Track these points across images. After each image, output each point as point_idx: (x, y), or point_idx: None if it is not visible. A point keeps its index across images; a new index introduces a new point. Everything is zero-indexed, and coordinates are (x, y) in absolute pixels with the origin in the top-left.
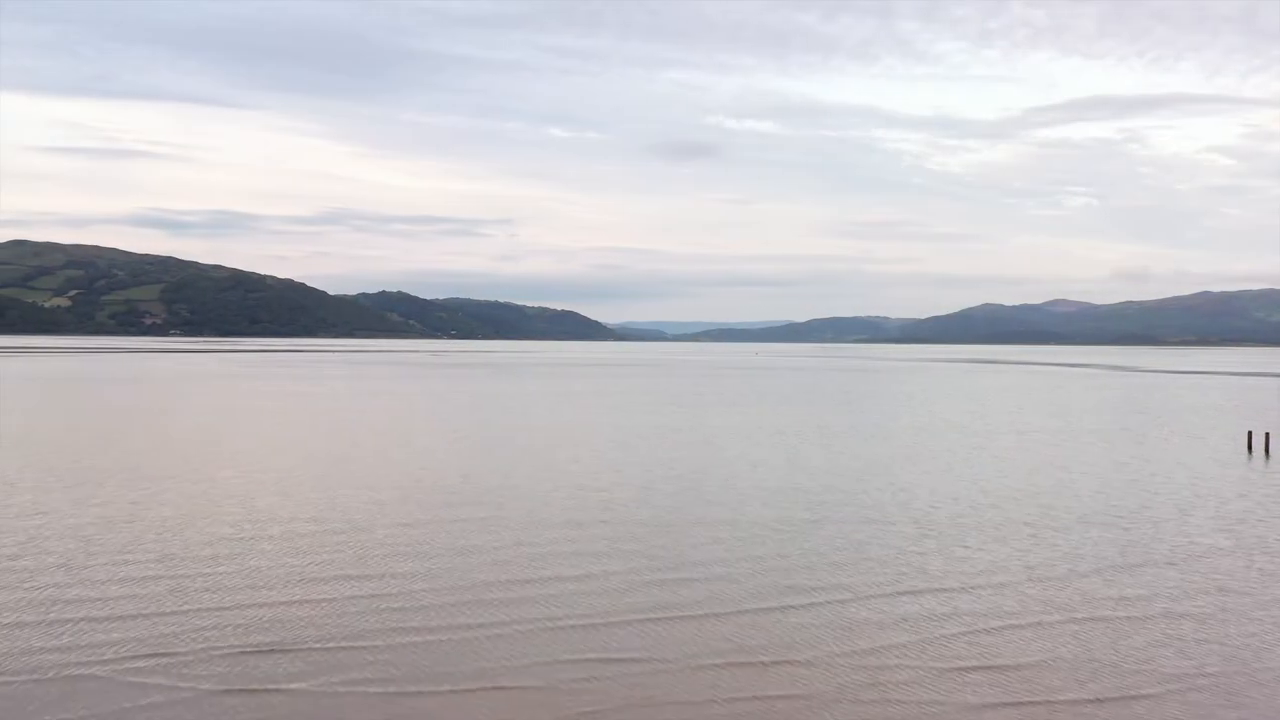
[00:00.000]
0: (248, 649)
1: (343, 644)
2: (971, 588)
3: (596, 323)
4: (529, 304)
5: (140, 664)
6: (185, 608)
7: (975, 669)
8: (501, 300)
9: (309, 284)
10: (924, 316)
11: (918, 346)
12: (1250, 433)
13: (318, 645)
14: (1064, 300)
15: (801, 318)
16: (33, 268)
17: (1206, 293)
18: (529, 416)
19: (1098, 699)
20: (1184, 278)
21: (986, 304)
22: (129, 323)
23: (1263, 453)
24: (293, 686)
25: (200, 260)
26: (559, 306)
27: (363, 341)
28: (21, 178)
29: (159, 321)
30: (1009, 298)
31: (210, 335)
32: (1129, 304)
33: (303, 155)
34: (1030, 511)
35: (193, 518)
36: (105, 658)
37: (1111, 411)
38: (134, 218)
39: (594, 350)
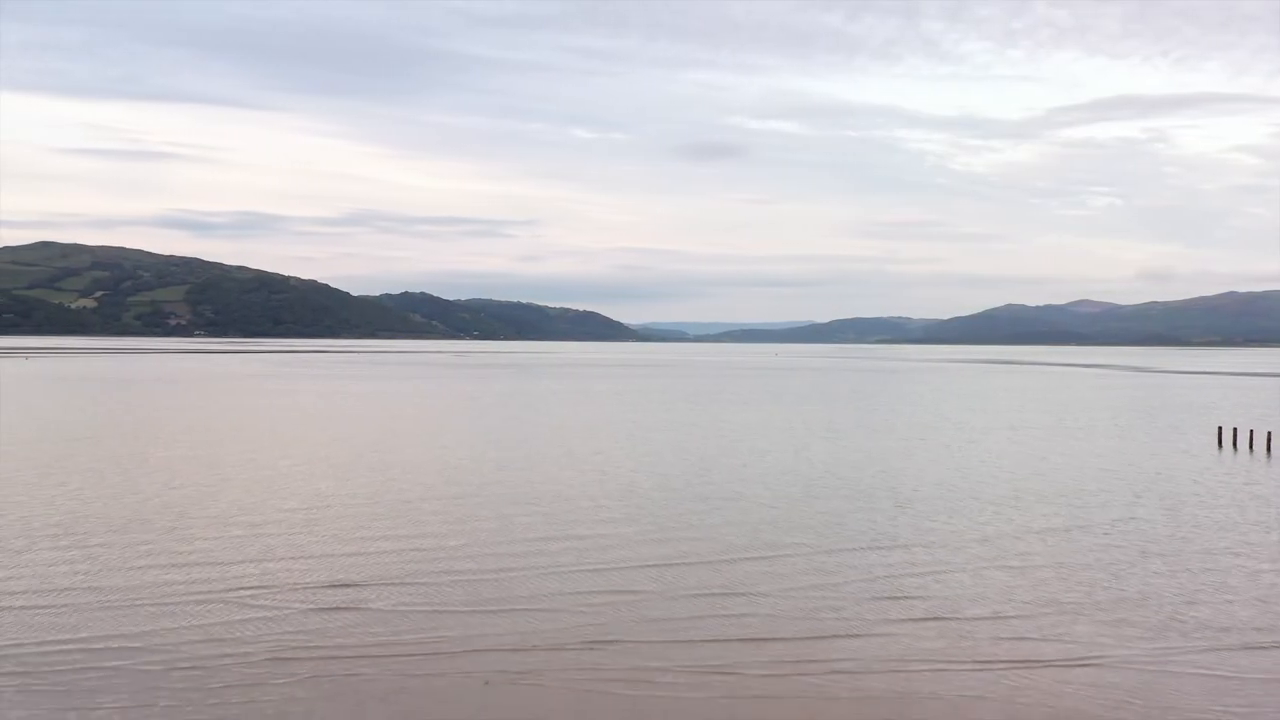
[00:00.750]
0: (325, 584)
1: (399, 581)
2: (926, 545)
3: (618, 323)
4: (551, 305)
5: (244, 594)
6: (273, 556)
7: (905, 598)
8: (524, 301)
9: (333, 285)
10: (947, 317)
11: (939, 347)
12: (1220, 428)
13: (379, 582)
14: (1088, 301)
15: (824, 318)
16: (59, 269)
17: (1232, 293)
18: (553, 413)
19: (998, 616)
20: (1209, 278)
21: (1010, 305)
22: (154, 324)
23: (1231, 447)
24: (362, 607)
25: (225, 261)
26: (581, 307)
27: (385, 342)
28: (49, 179)
29: (184, 322)
30: (1033, 298)
31: (234, 336)
32: (1153, 304)
33: (327, 156)
34: (1000, 493)
35: (267, 495)
36: (217, 589)
37: (1108, 410)
38: (160, 219)
39: (615, 351)
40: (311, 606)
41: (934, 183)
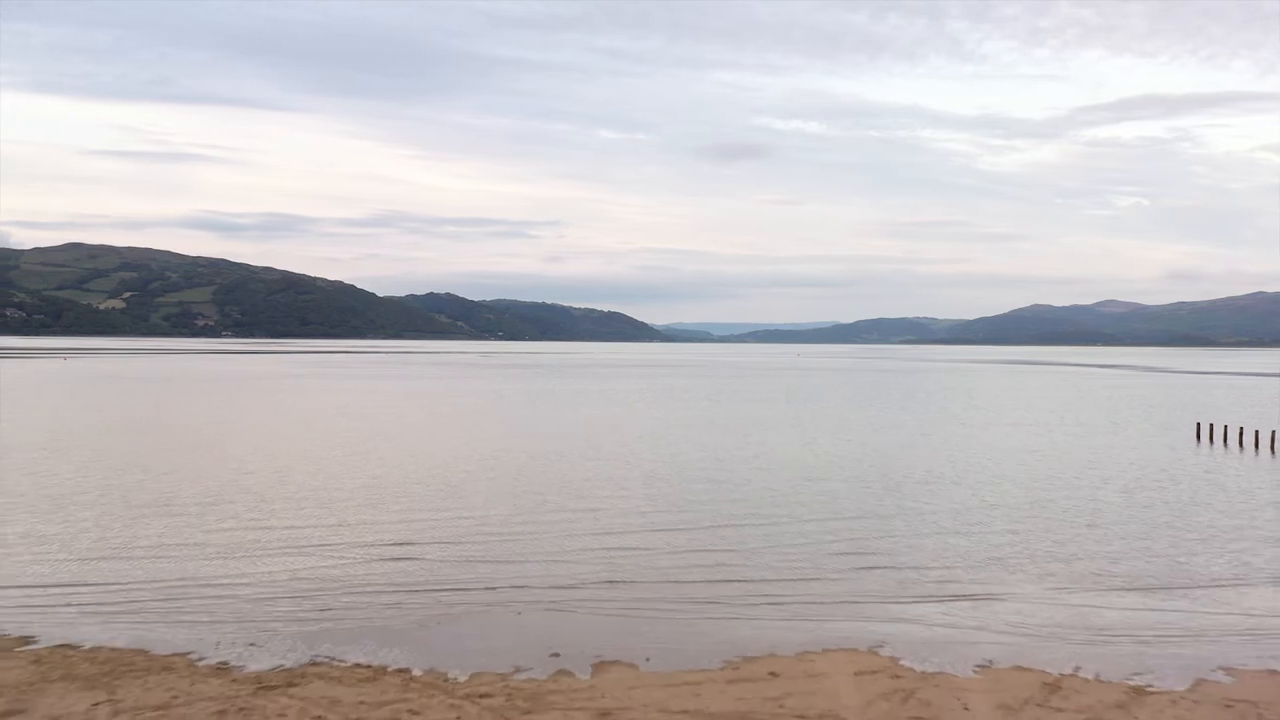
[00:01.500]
0: (386, 543)
1: (447, 541)
2: (903, 517)
3: (643, 324)
4: (576, 305)
5: (325, 549)
6: (343, 524)
7: (870, 554)
8: (549, 301)
9: (359, 286)
10: (972, 317)
11: (963, 348)
12: (1198, 424)
13: (430, 541)
14: (1115, 301)
15: (848, 319)
16: (88, 270)
17: (1260, 293)
18: (579, 410)
19: (944, 567)
20: (1237, 278)
21: (1036, 305)
22: (182, 324)
23: (1208, 441)
24: (417, 559)
25: (252, 263)
26: (606, 308)
27: (411, 343)
28: (77, 180)
29: (211, 323)
30: (1059, 298)
31: (261, 337)
32: (1181, 304)
33: (354, 158)
34: (981, 479)
35: (329, 479)
36: (303, 546)
37: (1109, 408)
38: (187, 220)
39: (639, 351)
40: (376, 558)
41: (959, 183)
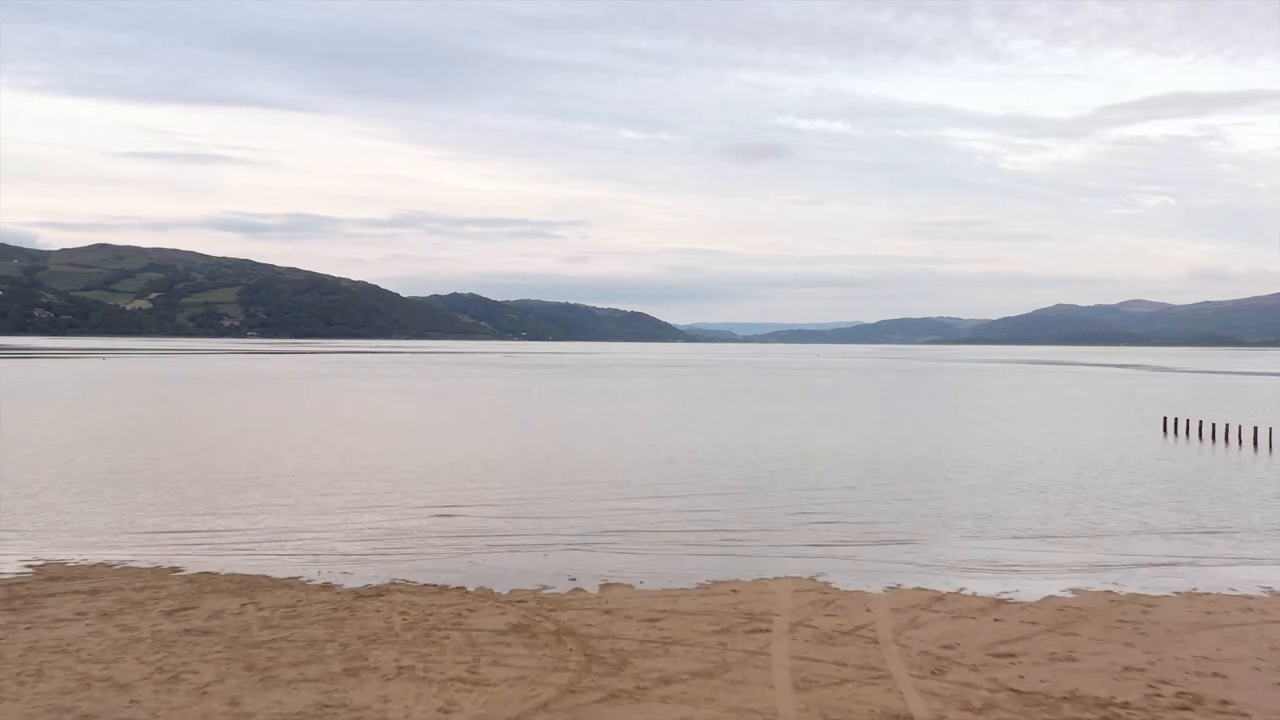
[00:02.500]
0: (436, 505)
1: (486, 504)
2: (873, 489)
3: (666, 324)
4: (599, 305)
5: (388, 510)
6: (402, 493)
7: (830, 514)
8: (571, 302)
9: (383, 286)
10: (996, 317)
11: (985, 348)
12: (1165, 418)
13: (473, 504)
14: (1140, 301)
15: (872, 319)
16: (115, 271)
17: None
18: (602, 406)
19: (885, 525)
20: (1263, 277)
21: (1060, 305)
22: (207, 324)
23: (1173, 433)
24: (460, 516)
25: (277, 263)
26: (629, 308)
27: (435, 343)
28: (104, 182)
29: (236, 323)
30: (1083, 298)
31: (285, 337)
32: (1206, 304)
33: (377, 158)
34: (952, 462)
35: (384, 462)
36: (372, 505)
37: (1102, 404)
38: (212, 221)
39: (661, 351)
40: (433, 515)
41: (983, 182)
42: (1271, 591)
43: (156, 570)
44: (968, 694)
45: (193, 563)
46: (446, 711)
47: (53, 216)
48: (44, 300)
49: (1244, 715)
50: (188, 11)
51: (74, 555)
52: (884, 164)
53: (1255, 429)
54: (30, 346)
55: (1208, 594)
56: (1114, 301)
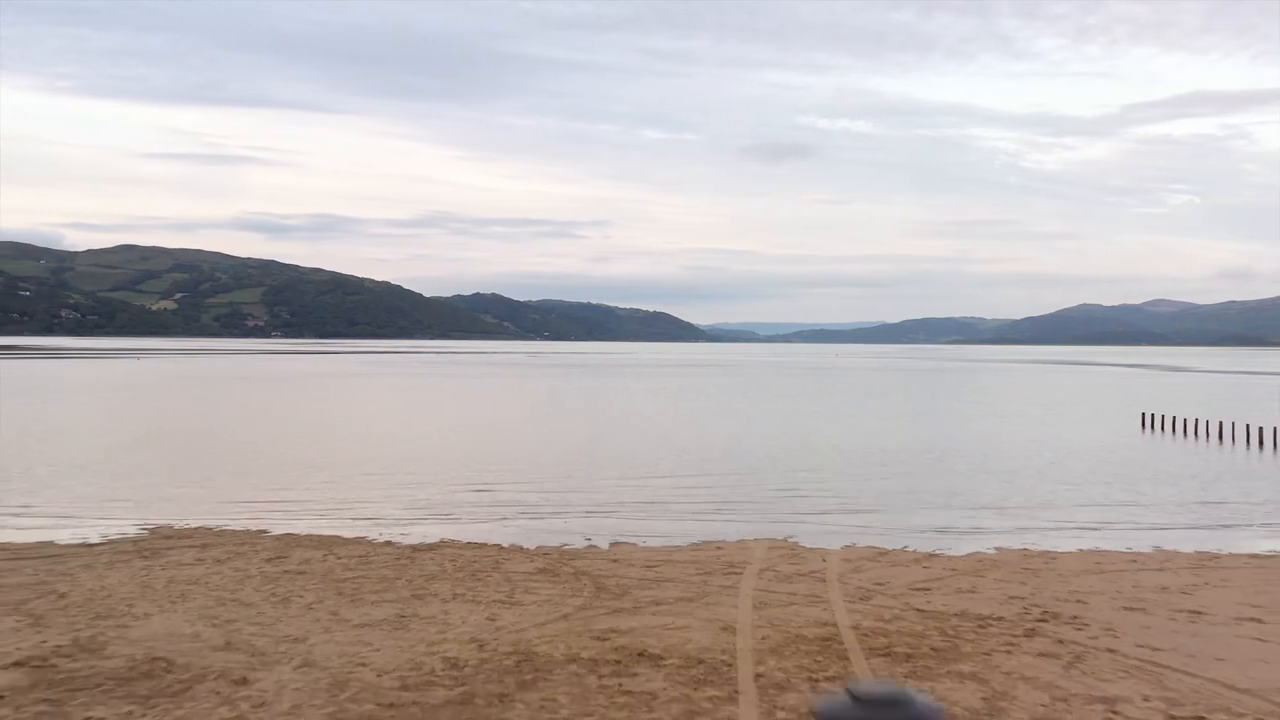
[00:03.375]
0: (472, 484)
1: (518, 482)
2: (855, 472)
3: (689, 324)
4: (621, 305)
5: (431, 489)
6: (444, 473)
7: (806, 490)
8: (594, 302)
9: (406, 286)
10: (1020, 317)
11: (1006, 348)
12: (1144, 413)
13: (507, 483)
14: (1165, 300)
15: (895, 319)
16: (140, 271)
17: None
18: (624, 403)
19: (853, 498)
20: None
21: (1085, 304)
22: (232, 325)
23: (1150, 428)
24: (494, 491)
25: (301, 264)
26: (651, 308)
27: (458, 343)
28: (130, 183)
29: (261, 324)
30: (1108, 298)
31: (310, 337)
32: (1232, 304)
33: (401, 159)
34: (936, 451)
35: (435, 452)
36: (430, 481)
37: (1096, 402)
38: (236, 221)
39: (683, 351)
40: (469, 491)
41: (1007, 181)
42: (1159, 549)
43: (248, 532)
44: (882, 611)
45: (276, 526)
46: (492, 619)
47: (79, 217)
48: (71, 301)
49: (1085, 624)
50: (214, 13)
51: (178, 522)
52: (907, 163)
53: (1220, 424)
54: (62, 347)
55: (1108, 551)
56: (1138, 301)
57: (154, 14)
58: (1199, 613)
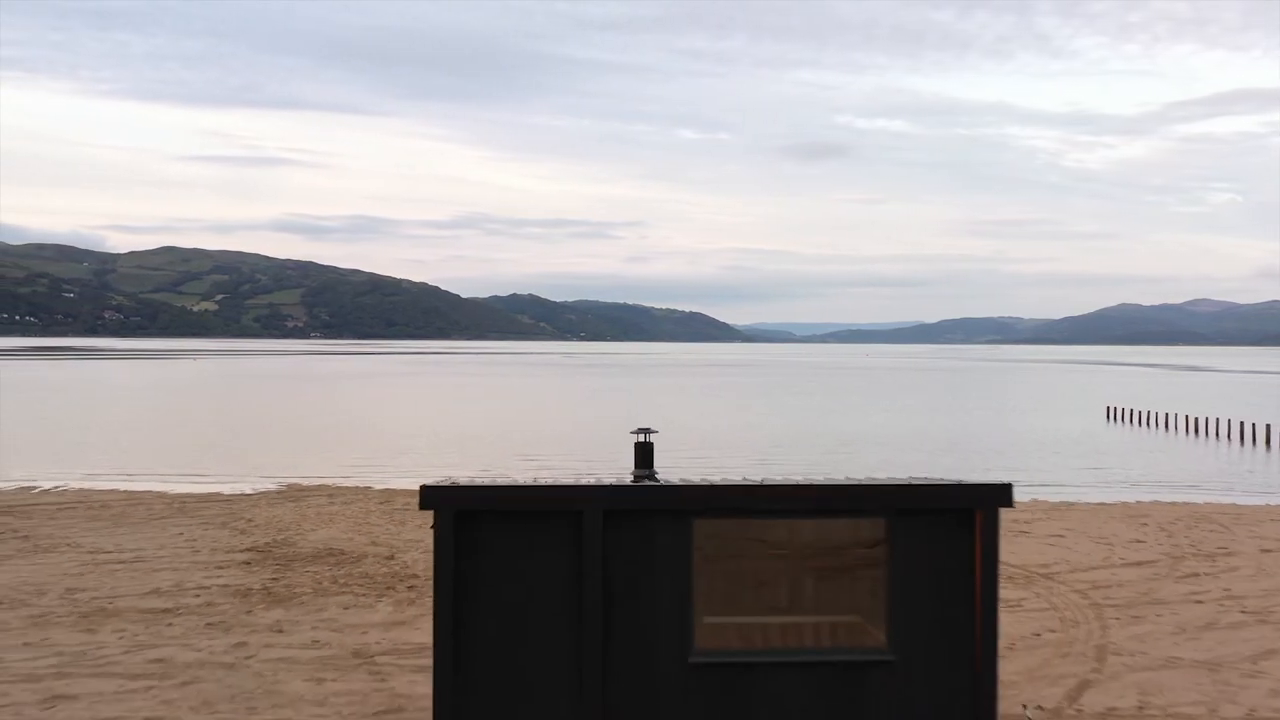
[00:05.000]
0: (518, 455)
1: (562, 454)
2: (841, 452)
3: (724, 324)
4: (657, 306)
5: (487, 459)
6: (493, 452)
7: (778, 469)
8: (630, 302)
9: (443, 287)
10: (1058, 317)
11: (1038, 348)
12: (1108, 407)
13: (555, 454)
14: (1206, 300)
15: (932, 318)
16: (182, 273)
17: None
18: (654, 399)
19: (825, 474)
20: None
21: (1124, 304)
22: (272, 326)
23: (1115, 420)
24: (540, 461)
25: (339, 265)
26: (687, 308)
27: (495, 344)
28: (171, 185)
29: (300, 324)
30: (1147, 297)
31: (349, 338)
32: (1274, 303)
33: (438, 160)
34: (921, 438)
35: (493, 439)
36: (483, 446)
37: (1085, 397)
38: (276, 223)
39: (716, 351)
40: (516, 459)
41: (1045, 180)
42: (1035, 500)
43: (357, 488)
44: None
45: (379, 483)
46: None
47: (120, 219)
48: (114, 302)
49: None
50: (252, 17)
51: (303, 481)
52: (944, 163)
53: (1167, 415)
54: (115, 348)
55: (1044, 501)
56: (1179, 301)
57: (193, 18)
58: (1025, 533)
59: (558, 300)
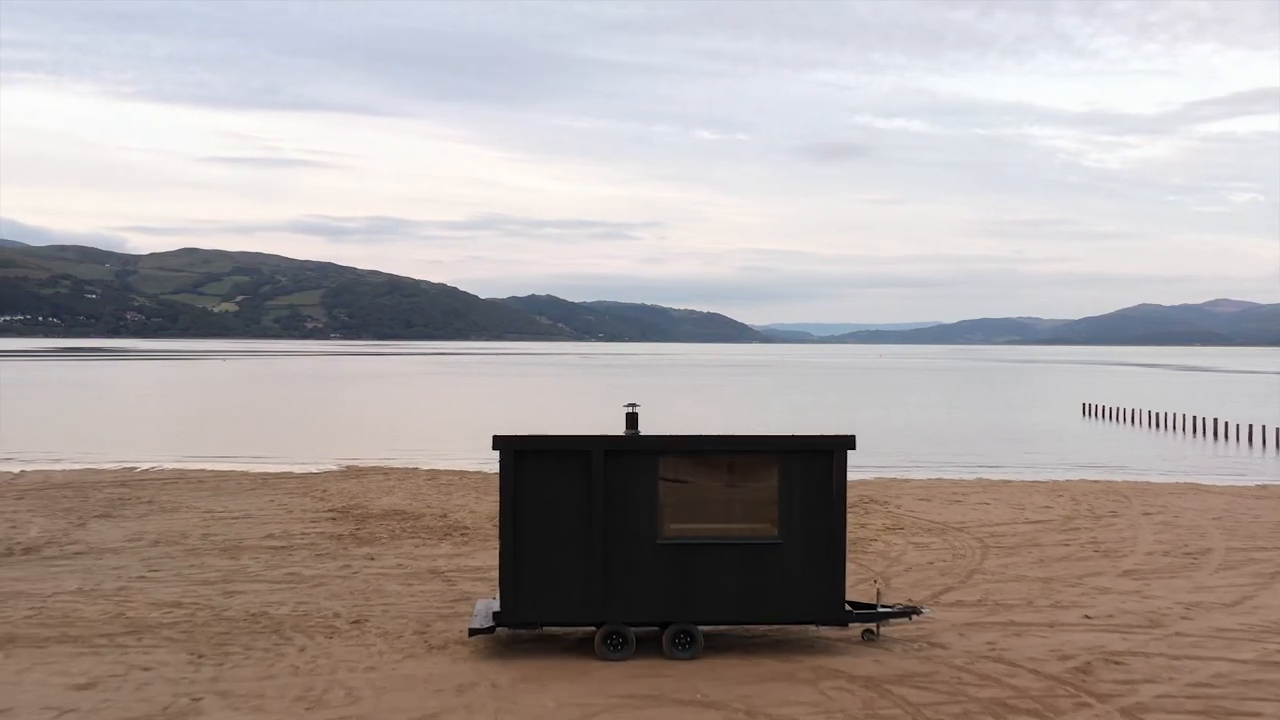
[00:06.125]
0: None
1: None
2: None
3: (742, 324)
4: (675, 307)
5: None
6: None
7: None
8: (648, 303)
9: (461, 288)
10: (1078, 318)
11: (1061, 348)
12: (1083, 404)
13: None
14: (1226, 300)
15: (951, 319)
16: (202, 274)
17: None
18: (668, 398)
19: None
20: None
21: (1144, 304)
22: (292, 326)
23: (1088, 416)
24: None
25: (358, 266)
26: (705, 309)
27: (514, 344)
28: (191, 186)
29: (320, 325)
30: (1167, 298)
31: (368, 339)
32: None
33: (456, 161)
34: (905, 430)
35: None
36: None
37: (1078, 396)
38: (295, 224)
39: (732, 352)
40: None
41: (1065, 180)
42: (981, 479)
43: (408, 469)
44: None
45: (425, 465)
46: None
47: (140, 221)
48: (135, 303)
49: (900, 500)
50: (272, 19)
51: (358, 462)
52: (963, 163)
53: (1133, 411)
54: (139, 349)
55: (942, 479)
56: (1199, 301)
57: (214, 20)
58: (958, 501)
59: (576, 301)
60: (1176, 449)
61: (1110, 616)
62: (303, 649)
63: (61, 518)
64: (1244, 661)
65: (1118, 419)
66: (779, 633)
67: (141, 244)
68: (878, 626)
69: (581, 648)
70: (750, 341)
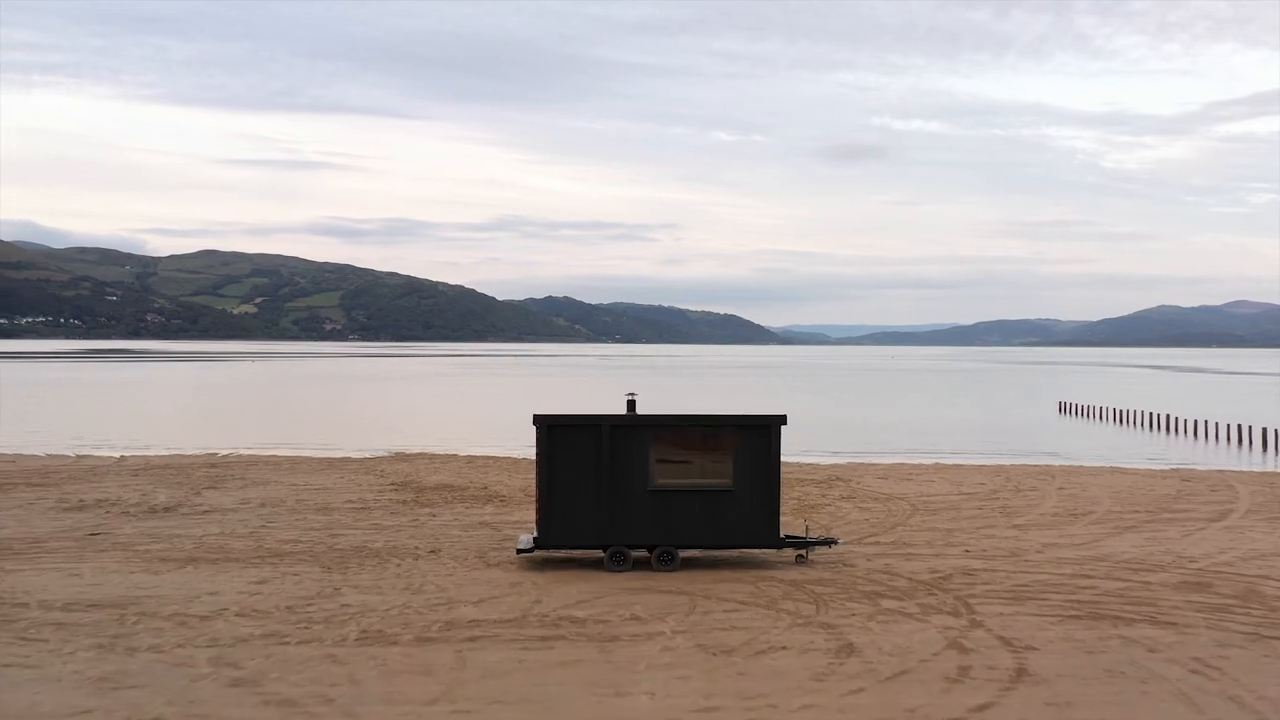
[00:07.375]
0: None
1: None
2: (817, 431)
3: (759, 326)
4: (692, 308)
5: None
6: None
7: None
8: (665, 304)
9: (479, 290)
10: (1097, 319)
11: (1079, 350)
12: (1060, 401)
13: None
14: (1246, 301)
15: (969, 320)
16: (221, 276)
17: None
18: (682, 397)
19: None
20: None
21: (1163, 306)
22: (311, 328)
23: (1064, 413)
24: None
25: (376, 268)
26: (722, 310)
27: (531, 346)
28: (210, 188)
29: (338, 327)
30: (1187, 299)
31: (387, 340)
32: None
33: (474, 163)
34: (896, 425)
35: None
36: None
37: (1067, 396)
38: (313, 226)
39: (748, 353)
40: None
41: (1084, 181)
42: (939, 463)
43: (448, 454)
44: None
45: (463, 451)
46: None
47: (160, 223)
48: (155, 305)
49: (862, 478)
50: (291, 21)
51: (404, 449)
52: (981, 164)
53: (1102, 408)
54: (162, 350)
55: (908, 462)
56: (1218, 303)
57: (233, 23)
58: (909, 479)
59: (593, 302)
60: (1130, 441)
61: (984, 551)
62: (399, 565)
63: (178, 488)
64: (1061, 574)
65: (1088, 416)
66: (735, 555)
67: (161, 246)
68: (808, 552)
69: (594, 565)
70: (767, 343)
